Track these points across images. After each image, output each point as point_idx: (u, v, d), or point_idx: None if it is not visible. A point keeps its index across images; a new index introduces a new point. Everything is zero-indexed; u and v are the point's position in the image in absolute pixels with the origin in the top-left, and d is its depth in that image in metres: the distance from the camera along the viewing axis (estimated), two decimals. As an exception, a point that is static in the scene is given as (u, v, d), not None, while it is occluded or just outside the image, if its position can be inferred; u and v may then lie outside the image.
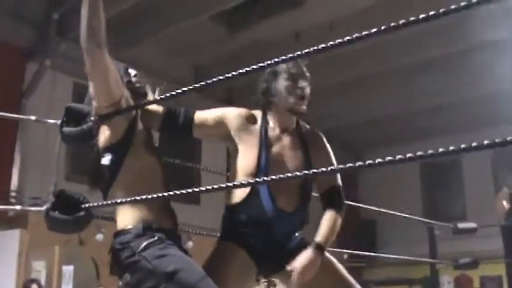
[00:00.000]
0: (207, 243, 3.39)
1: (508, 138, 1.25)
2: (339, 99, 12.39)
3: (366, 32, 1.72)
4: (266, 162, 2.71)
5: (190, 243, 8.46)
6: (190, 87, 2.21)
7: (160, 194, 2.28)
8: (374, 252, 13.26)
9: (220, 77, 2.11)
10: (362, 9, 9.77)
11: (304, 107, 2.84)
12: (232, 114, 2.86)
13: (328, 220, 2.82)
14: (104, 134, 2.61)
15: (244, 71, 2.03)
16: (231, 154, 2.85)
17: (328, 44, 1.83)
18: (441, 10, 1.46)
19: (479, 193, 13.42)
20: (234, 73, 2.07)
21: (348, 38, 1.79)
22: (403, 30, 1.60)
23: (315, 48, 1.85)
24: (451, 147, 1.44)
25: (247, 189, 2.71)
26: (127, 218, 2.53)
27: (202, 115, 2.84)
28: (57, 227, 2.48)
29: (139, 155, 2.60)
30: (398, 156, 1.54)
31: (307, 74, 2.89)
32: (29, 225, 8.12)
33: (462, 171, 14.75)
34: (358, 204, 5.61)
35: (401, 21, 1.60)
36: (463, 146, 1.41)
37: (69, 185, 8.43)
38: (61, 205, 2.42)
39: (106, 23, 2.50)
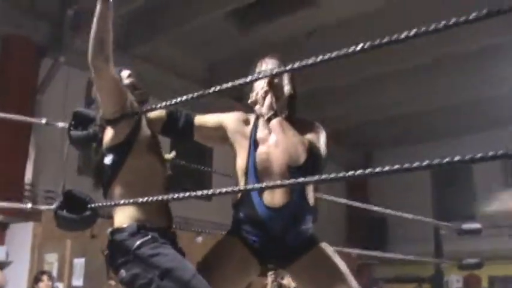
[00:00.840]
0: (217, 238, 3.47)
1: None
2: (348, 99, 12.46)
3: (370, 43, 1.76)
4: (253, 162, 2.77)
5: (199, 239, 8.58)
6: (198, 93, 2.29)
7: (160, 197, 2.37)
8: (385, 249, 13.30)
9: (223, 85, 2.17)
10: (372, 10, 9.79)
11: (264, 110, 2.80)
12: (229, 118, 2.93)
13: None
14: (108, 135, 2.69)
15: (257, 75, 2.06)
16: (232, 155, 2.91)
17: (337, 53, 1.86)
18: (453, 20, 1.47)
19: (489, 193, 13.46)
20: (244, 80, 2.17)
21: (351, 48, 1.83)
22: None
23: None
24: (457, 158, 1.45)
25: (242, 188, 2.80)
26: (123, 216, 2.61)
27: (202, 119, 2.91)
28: (65, 225, 2.65)
29: (141, 157, 2.67)
30: (406, 165, 1.57)
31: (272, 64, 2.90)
32: (42, 218, 8.19)
33: (472, 170, 14.76)
34: (365, 206, 5.65)
35: (410, 32, 1.61)
36: (469, 156, 1.41)
37: (81, 179, 8.57)
38: (68, 205, 2.59)
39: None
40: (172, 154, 3.00)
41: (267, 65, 2.92)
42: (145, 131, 2.77)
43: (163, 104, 2.58)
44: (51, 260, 8.67)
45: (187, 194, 2.10)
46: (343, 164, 16.25)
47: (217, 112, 2.99)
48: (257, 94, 2.82)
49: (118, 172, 2.64)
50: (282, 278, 8.11)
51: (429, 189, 14.96)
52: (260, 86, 2.82)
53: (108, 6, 2.44)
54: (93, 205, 2.60)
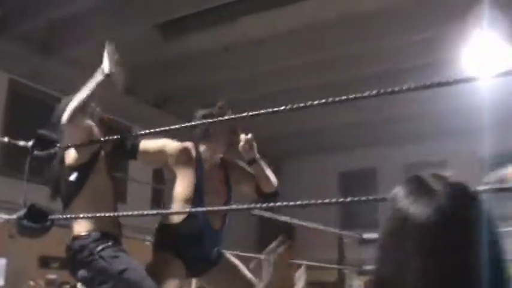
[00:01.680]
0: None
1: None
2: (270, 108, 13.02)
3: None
4: (201, 192, 3.37)
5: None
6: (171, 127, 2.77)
7: (124, 213, 2.92)
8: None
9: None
10: (293, 27, 10.40)
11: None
12: (170, 147, 3.44)
13: None
14: (71, 156, 3.14)
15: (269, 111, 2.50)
16: (168, 179, 3.46)
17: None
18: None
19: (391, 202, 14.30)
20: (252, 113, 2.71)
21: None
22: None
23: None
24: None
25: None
26: (84, 225, 3.08)
27: (146, 145, 3.40)
28: (26, 232, 3.06)
29: (100, 174, 3.17)
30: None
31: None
32: None
33: (377, 181, 15.66)
34: (275, 216, 6.12)
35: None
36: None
37: (1, 180, 8.69)
38: (31, 215, 2.97)
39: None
40: None
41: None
42: (103, 151, 3.26)
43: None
44: (-29, 260, 8.80)
45: (145, 212, 2.60)
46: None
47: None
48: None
49: (81, 188, 3.11)
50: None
51: (336, 197, 15.69)
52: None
53: (108, 81, 2.96)
54: (53, 216, 3.02)
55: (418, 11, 9.20)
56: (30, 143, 3.22)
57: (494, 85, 7.82)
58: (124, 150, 3.34)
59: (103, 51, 2.99)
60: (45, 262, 9.99)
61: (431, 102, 10.63)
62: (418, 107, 11.50)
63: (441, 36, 9.32)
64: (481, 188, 1.82)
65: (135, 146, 3.37)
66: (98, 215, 2.98)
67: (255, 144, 3.46)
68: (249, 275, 3.65)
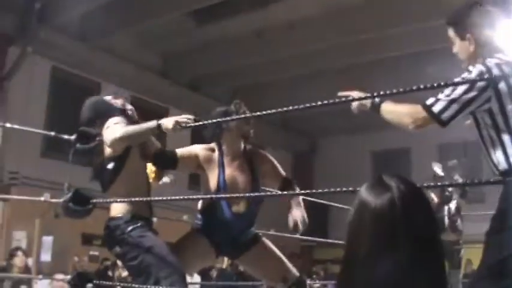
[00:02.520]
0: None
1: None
2: (299, 91, 13.19)
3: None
4: (224, 182, 3.64)
5: (154, 219, 9.18)
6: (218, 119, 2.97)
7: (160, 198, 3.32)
8: (325, 233, 14.10)
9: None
10: (322, 12, 10.46)
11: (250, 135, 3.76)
12: (198, 151, 3.70)
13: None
14: (108, 148, 3.41)
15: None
16: (201, 177, 3.74)
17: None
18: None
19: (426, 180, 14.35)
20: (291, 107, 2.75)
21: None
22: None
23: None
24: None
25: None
26: (119, 208, 3.37)
27: (180, 152, 3.65)
28: (71, 214, 3.45)
29: (133, 164, 3.44)
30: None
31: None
32: (11, 198, 8.60)
33: (411, 160, 15.75)
34: (311, 199, 6.31)
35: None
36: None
37: (43, 161, 9.04)
38: (75, 199, 3.36)
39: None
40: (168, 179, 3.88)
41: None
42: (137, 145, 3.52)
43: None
44: (19, 237, 9.12)
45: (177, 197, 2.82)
46: (290, 150, 17.09)
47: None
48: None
49: (118, 175, 3.40)
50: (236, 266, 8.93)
51: (369, 177, 15.76)
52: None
53: (158, 131, 3.23)
54: (94, 200, 3.42)
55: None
56: (73, 137, 3.58)
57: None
58: (164, 160, 3.59)
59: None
60: (87, 239, 10.35)
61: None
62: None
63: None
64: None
65: (174, 155, 3.62)
66: (132, 199, 3.28)
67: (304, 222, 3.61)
68: (283, 258, 3.80)
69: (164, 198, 3.24)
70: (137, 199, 3.30)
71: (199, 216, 3.78)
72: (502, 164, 2.44)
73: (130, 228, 3.31)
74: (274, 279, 3.80)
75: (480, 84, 2.36)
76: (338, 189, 2.49)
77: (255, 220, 3.83)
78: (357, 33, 10.52)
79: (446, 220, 7.23)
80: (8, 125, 4.83)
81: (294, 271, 3.83)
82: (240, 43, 11.25)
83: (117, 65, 11.39)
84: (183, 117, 3.25)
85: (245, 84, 13.23)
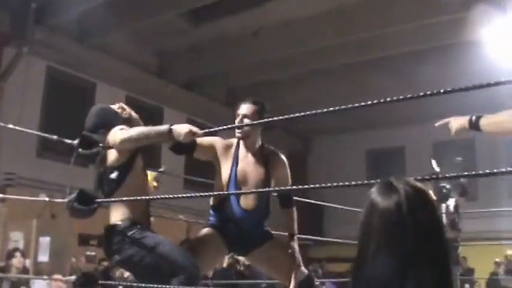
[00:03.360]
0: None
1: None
2: (296, 90, 13.22)
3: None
4: (235, 175, 3.69)
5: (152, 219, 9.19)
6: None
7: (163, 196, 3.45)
8: (320, 232, 14.12)
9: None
10: (319, 10, 10.42)
11: (239, 134, 3.76)
12: (218, 143, 3.76)
13: (291, 218, 3.89)
14: (112, 156, 3.44)
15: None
16: (216, 168, 3.77)
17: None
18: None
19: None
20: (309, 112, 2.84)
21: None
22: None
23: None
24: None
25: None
26: (118, 216, 3.40)
27: (199, 141, 3.65)
28: (77, 214, 3.45)
29: (137, 174, 3.49)
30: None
31: (244, 107, 3.75)
32: (7, 199, 8.51)
33: (405, 159, 15.77)
34: (306, 200, 6.34)
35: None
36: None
37: (39, 161, 9.02)
38: (80, 199, 3.38)
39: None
40: (163, 167, 3.89)
41: (242, 109, 3.76)
42: (140, 155, 3.57)
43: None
44: (17, 238, 9.11)
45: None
46: (284, 150, 17.06)
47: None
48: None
49: (120, 185, 3.43)
50: (237, 262, 8.94)
51: (364, 177, 15.81)
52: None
53: (168, 137, 3.24)
54: (99, 200, 3.45)
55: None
56: (75, 142, 3.59)
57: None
58: (182, 145, 3.57)
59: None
60: (84, 240, 10.36)
61: (457, 80, 10.69)
62: (446, 85, 11.55)
63: (468, 17, 9.38)
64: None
65: (193, 143, 3.62)
66: (138, 197, 3.34)
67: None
68: (293, 256, 3.82)
69: (162, 196, 3.19)
70: (139, 198, 3.37)
71: (211, 212, 3.82)
72: None
73: (130, 232, 3.34)
74: (284, 276, 3.81)
75: None
76: (335, 184, 2.50)
77: (266, 217, 3.86)
78: (354, 32, 10.53)
79: (444, 218, 7.28)
80: (10, 125, 4.81)
81: (303, 269, 3.87)
82: (236, 43, 11.25)
83: (113, 65, 11.40)
84: (195, 128, 3.27)
85: (241, 84, 13.24)
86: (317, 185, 2.56)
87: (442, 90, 2.27)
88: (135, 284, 3.31)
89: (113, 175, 3.43)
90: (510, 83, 2.16)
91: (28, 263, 8.27)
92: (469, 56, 10.08)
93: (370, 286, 1.20)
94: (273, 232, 3.91)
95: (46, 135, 5.07)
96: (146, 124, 3.54)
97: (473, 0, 9.02)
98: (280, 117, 2.98)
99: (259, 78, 12.70)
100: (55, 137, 4.44)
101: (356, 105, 2.51)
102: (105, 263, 9.40)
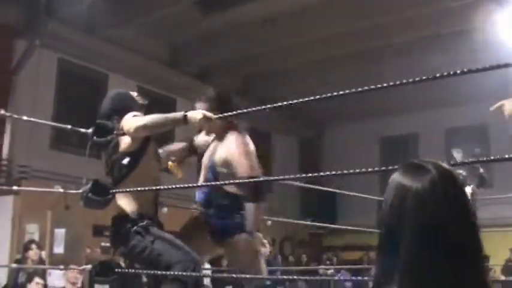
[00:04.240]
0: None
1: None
2: (309, 78, 13.18)
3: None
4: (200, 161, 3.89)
5: (165, 209, 9.20)
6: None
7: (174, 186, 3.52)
8: (334, 220, 14.11)
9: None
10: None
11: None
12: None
13: None
14: (125, 142, 3.46)
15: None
16: None
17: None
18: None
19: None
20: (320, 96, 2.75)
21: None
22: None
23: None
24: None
25: None
26: (126, 206, 3.43)
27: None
28: (91, 205, 3.46)
29: (148, 160, 3.51)
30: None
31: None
32: (21, 192, 8.62)
33: (418, 146, 15.70)
34: (318, 187, 6.35)
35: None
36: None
37: (52, 153, 9.08)
38: (95, 190, 3.40)
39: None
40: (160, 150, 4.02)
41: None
42: (153, 141, 3.60)
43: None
44: (32, 230, 9.17)
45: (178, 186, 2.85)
46: (297, 137, 17.09)
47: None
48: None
49: (132, 171, 3.45)
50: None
51: (377, 164, 15.76)
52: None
53: (183, 123, 3.31)
54: (114, 190, 3.45)
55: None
56: (90, 131, 3.59)
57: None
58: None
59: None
60: (98, 231, 10.40)
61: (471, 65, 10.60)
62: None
63: (478, 3, 9.32)
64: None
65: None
66: (151, 188, 3.38)
67: None
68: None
69: (175, 186, 3.25)
70: (153, 188, 3.38)
71: None
72: None
73: (135, 227, 3.38)
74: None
75: None
76: (350, 171, 2.50)
77: (217, 206, 3.73)
78: (368, 18, 10.46)
79: None
80: (24, 117, 4.84)
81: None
82: (248, 31, 11.22)
83: (125, 56, 11.41)
84: (209, 113, 3.32)
85: (254, 72, 13.23)
86: (332, 173, 2.53)
87: (458, 71, 2.26)
88: (153, 272, 3.33)
89: (125, 161, 3.44)
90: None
91: (44, 254, 8.34)
92: (481, 42, 10.01)
93: (408, 271, 1.17)
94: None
95: (60, 125, 5.10)
96: None
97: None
98: (291, 102, 2.95)
99: (271, 67, 12.68)
100: (69, 126, 4.46)
101: (366, 88, 2.47)
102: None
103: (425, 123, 14.99)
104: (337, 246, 15.14)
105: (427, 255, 1.15)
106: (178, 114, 3.30)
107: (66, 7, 9.67)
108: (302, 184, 7.50)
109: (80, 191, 3.44)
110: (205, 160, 3.80)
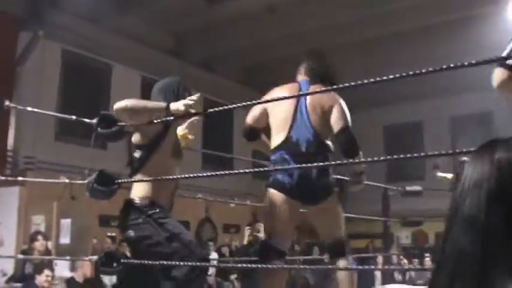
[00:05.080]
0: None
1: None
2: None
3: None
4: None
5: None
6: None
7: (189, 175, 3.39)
8: (343, 207, 14.08)
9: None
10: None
11: None
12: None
13: None
14: (136, 134, 3.42)
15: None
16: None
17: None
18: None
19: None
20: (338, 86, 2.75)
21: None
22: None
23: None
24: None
25: None
26: (139, 192, 3.37)
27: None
28: (97, 195, 3.40)
29: (163, 155, 3.41)
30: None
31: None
32: (27, 183, 8.58)
33: (423, 134, 15.68)
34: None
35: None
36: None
37: (57, 144, 9.09)
38: (100, 180, 3.33)
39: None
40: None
41: None
42: (172, 133, 3.51)
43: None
44: (38, 221, 9.21)
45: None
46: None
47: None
48: None
49: (143, 165, 3.39)
50: (258, 231, 8.90)
51: (382, 152, 15.76)
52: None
53: (165, 112, 3.19)
54: (119, 181, 3.40)
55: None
56: (94, 121, 3.52)
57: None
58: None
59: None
60: (104, 221, 10.45)
61: (476, 53, 10.55)
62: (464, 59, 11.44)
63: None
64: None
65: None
66: (157, 178, 3.33)
67: None
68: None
69: (181, 176, 3.16)
70: (161, 178, 3.33)
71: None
72: None
73: (149, 213, 3.30)
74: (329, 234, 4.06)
75: None
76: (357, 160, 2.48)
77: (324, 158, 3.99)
78: (373, 6, 10.42)
79: None
80: (29, 108, 4.82)
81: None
82: (253, 20, 11.19)
83: (128, 46, 11.41)
84: (190, 99, 3.19)
85: (259, 61, 13.19)
86: (338, 162, 2.52)
87: (466, 63, 2.22)
88: (159, 262, 3.27)
89: (137, 154, 3.42)
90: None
91: (50, 245, 8.37)
92: (488, 27, 9.95)
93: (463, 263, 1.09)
94: None
95: (65, 115, 5.08)
96: None
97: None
98: (300, 94, 2.94)
99: (275, 56, 12.64)
100: (74, 117, 4.45)
101: (372, 80, 2.45)
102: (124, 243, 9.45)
103: (429, 111, 14.94)
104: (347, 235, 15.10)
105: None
106: (161, 103, 3.25)
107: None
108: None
109: (86, 181, 3.41)
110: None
